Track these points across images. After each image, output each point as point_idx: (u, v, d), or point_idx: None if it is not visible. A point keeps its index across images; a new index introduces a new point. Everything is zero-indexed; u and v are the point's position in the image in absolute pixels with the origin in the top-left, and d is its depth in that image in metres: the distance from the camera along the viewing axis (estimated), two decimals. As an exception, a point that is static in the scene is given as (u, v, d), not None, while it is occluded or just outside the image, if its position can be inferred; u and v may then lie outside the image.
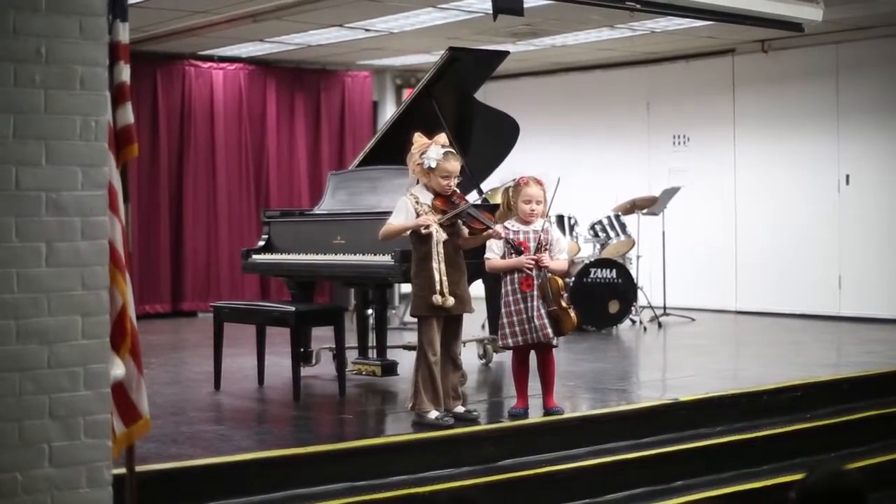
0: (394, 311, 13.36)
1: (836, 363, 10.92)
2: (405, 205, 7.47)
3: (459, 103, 9.70)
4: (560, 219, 12.82)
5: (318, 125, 16.15)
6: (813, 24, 11.03)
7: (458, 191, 7.57)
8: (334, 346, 8.90)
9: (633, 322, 13.33)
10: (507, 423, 7.69)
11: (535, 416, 7.75)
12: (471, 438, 7.40)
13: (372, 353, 9.71)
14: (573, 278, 12.46)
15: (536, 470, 7.25)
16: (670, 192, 13.81)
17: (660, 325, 13.38)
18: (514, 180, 7.77)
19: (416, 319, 7.63)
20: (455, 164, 7.47)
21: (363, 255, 8.99)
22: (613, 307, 12.83)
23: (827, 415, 8.96)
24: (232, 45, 14.58)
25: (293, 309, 8.73)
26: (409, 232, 7.49)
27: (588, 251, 13.64)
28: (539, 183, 7.64)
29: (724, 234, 14.96)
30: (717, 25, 12.19)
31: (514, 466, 7.27)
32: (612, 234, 13.49)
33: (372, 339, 9.77)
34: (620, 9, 10.18)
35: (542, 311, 7.51)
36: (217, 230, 15.25)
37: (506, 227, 7.59)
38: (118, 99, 5.19)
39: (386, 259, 8.73)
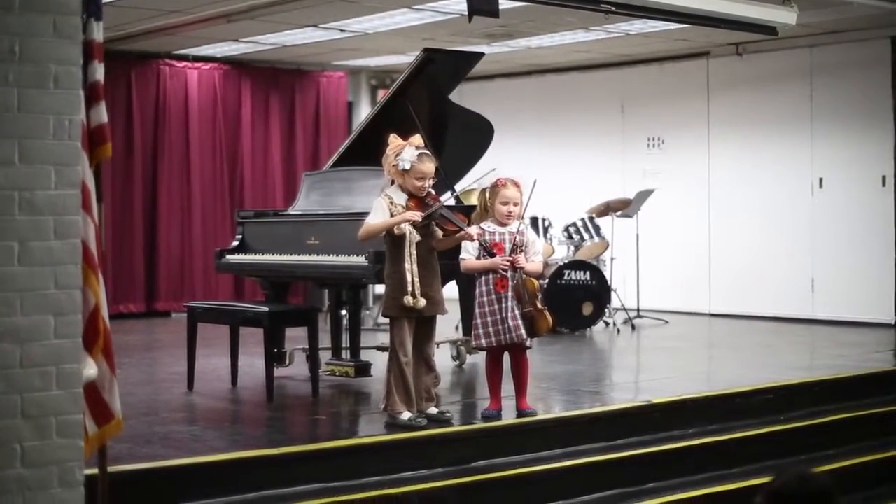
0: (367, 312, 13.35)
1: (808, 366, 10.96)
2: (381, 205, 7.47)
3: (434, 104, 9.71)
4: (534, 220, 12.82)
5: (293, 125, 16.13)
6: (787, 27, 11.07)
7: (432, 192, 7.58)
8: (308, 346, 8.88)
9: (607, 324, 13.34)
10: (480, 425, 7.68)
11: (509, 417, 7.75)
12: (444, 440, 7.39)
13: (345, 354, 9.71)
14: (547, 280, 12.47)
15: (509, 471, 7.25)
16: (644, 195, 13.83)
17: (633, 327, 13.41)
18: (491, 171, 7.78)
19: (388, 320, 7.63)
20: (429, 166, 7.47)
21: (337, 255, 9.00)
22: (587, 309, 12.85)
23: (800, 417, 9.00)
24: (207, 45, 14.54)
25: (267, 309, 8.71)
26: (383, 232, 7.49)
27: (562, 253, 13.64)
28: (516, 185, 7.65)
29: (697, 237, 15.00)
30: (691, 28, 12.22)
31: (487, 468, 7.26)
32: (586, 236, 13.52)
33: (346, 340, 9.76)
34: (595, 11, 10.20)
35: (517, 312, 7.51)
36: (191, 230, 15.22)
37: (482, 229, 7.59)
38: (92, 98, 5.18)
39: (360, 260, 8.74)
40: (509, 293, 7.51)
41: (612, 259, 13.69)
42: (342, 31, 13.29)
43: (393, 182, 7.57)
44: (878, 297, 13.52)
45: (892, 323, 13.35)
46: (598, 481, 7.53)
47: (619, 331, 13.18)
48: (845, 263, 13.76)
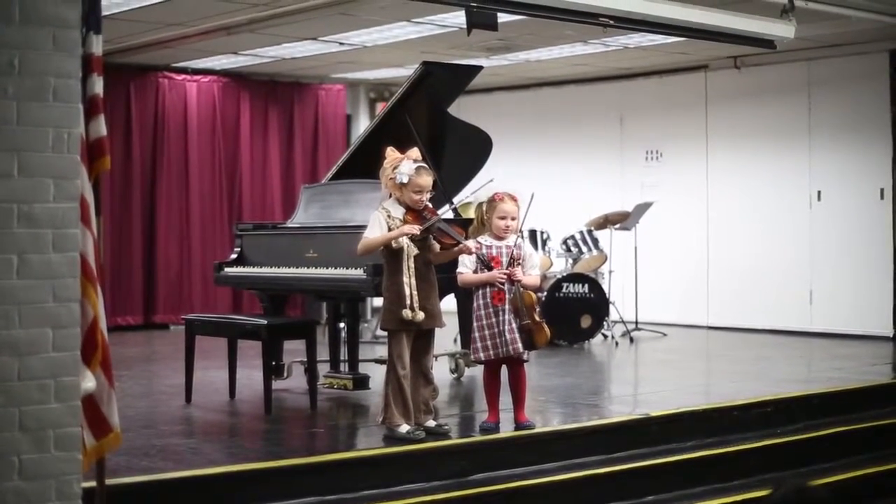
0: (366, 325, 13.35)
1: (806, 379, 10.94)
2: (378, 219, 7.48)
3: (433, 117, 9.72)
4: (532, 233, 12.84)
5: (292, 138, 16.14)
6: (785, 41, 11.08)
7: (430, 205, 7.58)
8: (306, 359, 8.88)
9: (605, 337, 13.34)
10: (478, 438, 7.68)
11: (507, 430, 7.75)
12: (442, 453, 7.38)
13: (344, 367, 9.70)
14: (545, 293, 12.47)
15: (507, 484, 7.24)
16: (643, 208, 13.84)
17: (631, 339, 13.41)
18: (489, 182, 7.79)
19: (386, 333, 7.63)
20: (427, 179, 7.47)
21: (335, 268, 9.01)
22: (585, 322, 12.85)
23: (797, 430, 8.99)
24: (206, 58, 14.56)
25: (265, 322, 8.71)
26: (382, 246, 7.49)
27: (560, 266, 13.64)
28: (513, 199, 7.66)
29: (696, 250, 15.00)
30: (690, 41, 12.24)
31: (486, 481, 7.25)
32: (584, 248, 13.52)
33: (344, 353, 9.76)
34: (594, 24, 10.21)
35: (514, 326, 7.51)
36: (190, 243, 15.22)
37: (478, 243, 7.59)
38: (91, 111, 5.19)
39: (358, 273, 8.75)
40: (507, 306, 7.52)
41: (610, 272, 13.68)
42: (341, 44, 13.30)
43: (391, 195, 7.58)
44: (876, 309, 13.52)
45: (891, 335, 13.36)
46: (596, 494, 7.52)
47: (617, 343, 13.17)
48: (843, 276, 13.77)
